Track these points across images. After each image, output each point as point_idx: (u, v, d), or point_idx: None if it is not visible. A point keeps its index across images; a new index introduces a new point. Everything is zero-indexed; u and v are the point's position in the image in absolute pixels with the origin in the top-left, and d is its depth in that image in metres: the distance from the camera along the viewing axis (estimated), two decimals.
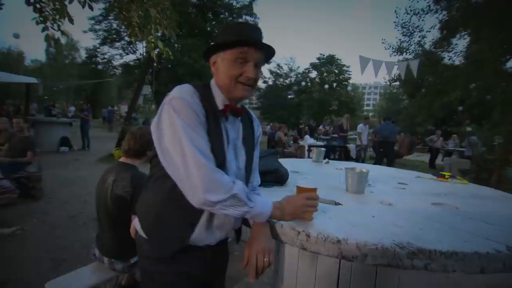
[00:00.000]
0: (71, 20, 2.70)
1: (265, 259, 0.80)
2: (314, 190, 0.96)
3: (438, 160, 10.34)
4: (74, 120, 9.07)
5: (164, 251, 0.86)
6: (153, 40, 3.10)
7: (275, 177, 1.40)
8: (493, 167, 6.07)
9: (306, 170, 1.88)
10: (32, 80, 9.90)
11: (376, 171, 1.97)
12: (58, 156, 7.30)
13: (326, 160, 2.31)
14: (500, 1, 6.56)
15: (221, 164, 0.84)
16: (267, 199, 0.88)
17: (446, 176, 1.73)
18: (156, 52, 3.34)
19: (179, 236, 0.86)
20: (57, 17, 2.61)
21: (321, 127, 10.15)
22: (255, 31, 0.89)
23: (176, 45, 18.78)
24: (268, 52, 0.91)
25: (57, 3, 2.65)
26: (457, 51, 8.90)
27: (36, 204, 3.76)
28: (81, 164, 6.51)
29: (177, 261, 0.88)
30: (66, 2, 2.76)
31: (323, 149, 2.35)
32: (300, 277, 1.38)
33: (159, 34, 3.14)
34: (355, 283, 1.20)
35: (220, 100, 0.90)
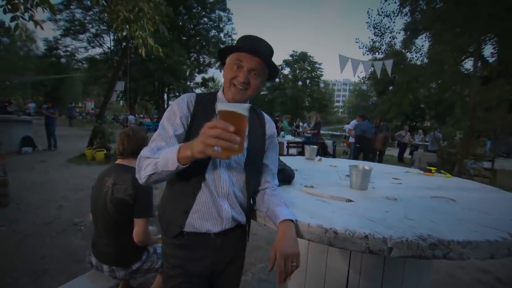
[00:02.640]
0: (53, 10, 2.44)
1: (292, 264, 0.81)
2: (236, 115, 0.64)
3: (406, 154, 11.06)
4: (37, 118, 8.33)
5: (168, 234, 1.01)
6: (143, 36, 2.93)
7: (282, 176, 1.42)
8: (455, 159, 6.65)
9: (302, 168, 1.92)
10: None
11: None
12: (21, 158, 6.68)
13: (319, 157, 2.38)
14: (461, 8, 7.14)
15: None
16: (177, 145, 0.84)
17: (433, 171, 1.87)
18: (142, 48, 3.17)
19: (178, 222, 0.98)
20: (29, 5, 2.36)
21: (305, 124, 10.26)
22: (256, 42, 0.97)
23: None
24: (271, 70, 1.00)
25: None
26: (423, 52, 9.57)
27: (3, 211, 3.44)
28: (49, 166, 6.02)
29: (186, 247, 1.00)
30: None
31: (315, 146, 2.41)
32: (310, 268, 1.43)
33: (151, 30, 2.97)
34: (364, 273, 1.28)
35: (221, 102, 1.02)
